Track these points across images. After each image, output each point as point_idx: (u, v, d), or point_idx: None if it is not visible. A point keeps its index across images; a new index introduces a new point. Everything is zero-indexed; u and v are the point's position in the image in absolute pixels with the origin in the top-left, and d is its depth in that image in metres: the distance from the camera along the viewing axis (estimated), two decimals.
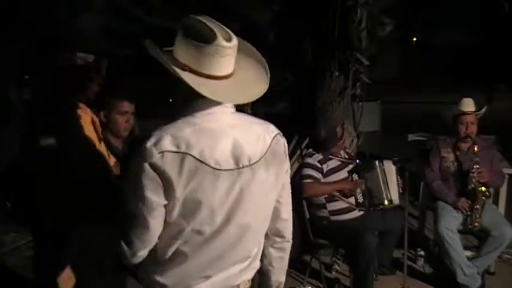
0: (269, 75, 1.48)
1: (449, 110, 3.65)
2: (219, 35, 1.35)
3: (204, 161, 1.37)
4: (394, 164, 3.38)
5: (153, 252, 1.47)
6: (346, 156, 3.55)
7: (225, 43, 1.36)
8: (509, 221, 3.45)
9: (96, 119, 2.27)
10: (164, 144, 1.34)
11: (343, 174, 3.40)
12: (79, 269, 1.94)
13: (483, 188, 3.42)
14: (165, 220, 1.41)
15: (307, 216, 3.38)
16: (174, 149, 1.34)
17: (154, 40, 1.43)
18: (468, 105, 3.57)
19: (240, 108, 1.50)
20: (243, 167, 1.43)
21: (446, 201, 3.54)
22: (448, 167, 3.62)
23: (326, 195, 3.33)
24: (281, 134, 1.54)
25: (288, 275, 1.81)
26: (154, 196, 1.37)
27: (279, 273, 1.74)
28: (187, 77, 1.36)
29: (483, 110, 3.61)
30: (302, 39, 4.61)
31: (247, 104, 1.53)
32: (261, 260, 1.66)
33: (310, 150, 3.46)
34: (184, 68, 1.37)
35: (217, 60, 1.37)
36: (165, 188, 1.36)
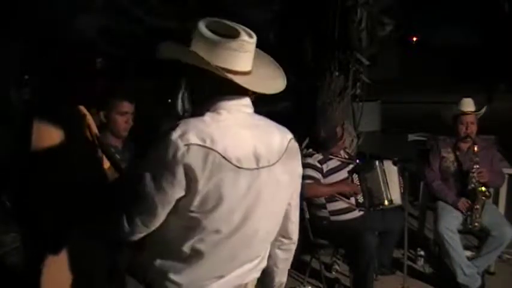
0: (283, 72, 1.52)
1: (450, 110, 3.66)
2: (241, 31, 1.40)
3: (227, 157, 1.38)
4: (394, 164, 3.37)
5: (167, 249, 1.47)
6: (346, 156, 3.55)
7: (248, 38, 1.40)
8: (509, 221, 3.45)
9: (92, 122, 2.27)
10: (190, 137, 1.35)
11: (343, 174, 3.40)
12: (70, 273, 1.94)
13: (483, 188, 3.43)
14: (182, 212, 1.41)
15: (307, 216, 3.38)
16: (199, 142, 1.35)
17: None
18: (468, 105, 3.57)
19: None
20: (262, 168, 1.45)
21: (446, 201, 3.54)
22: (448, 167, 3.62)
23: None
24: (294, 139, 1.57)
25: (288, 275, 1.81)
26: (173, 189, 1.37)
27: (283, 274, 1.77)
28: (219, 71, 1.38)
29: (483, 110, 3.61)
30: (302, 39, 4.61)
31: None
32: (267, 261, 1.67)
33: (310, 150, 3.45)
34: (209, 64, 1.39)
35: (240, 55, 1.40)
36: (186, 181, 1.36)
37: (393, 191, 3.36)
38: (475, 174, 3.44)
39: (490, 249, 3.40)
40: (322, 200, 3.34)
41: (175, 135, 1.36)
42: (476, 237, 3.79)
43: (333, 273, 3.73)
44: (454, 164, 3.61)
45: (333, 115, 4.27)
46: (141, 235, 1.46)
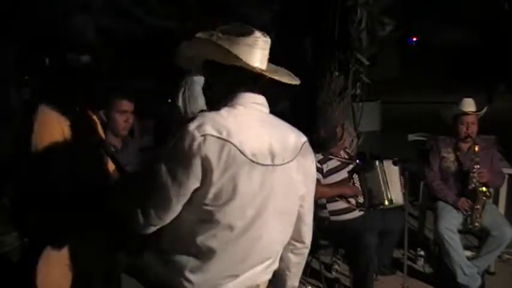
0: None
1: (450, 110, 3.65)
2: (254, 30, 1.46)
3: (243, 151, 1.40)
4: (394, 164, 3.37)
5: (181, 244, 1.48)
6: (346, 157, 3.55)
7: (261, 36, 1.46)
8: (509, 221, 3.45)
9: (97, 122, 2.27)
10: (206, 128, 1.37)
11: (343, 174, 3.40)
12: (67, 276, 1.94)
13: (483, 188, 3.42)
14: (196, 205, 1.42)
15: None
16: (216, 134, 1.38)
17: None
18: (469, 105, 3.57)
19: None
20: (277, 165, 1.47)
21: (446, 201, 3.54)
22: (449, 167, 3.62)
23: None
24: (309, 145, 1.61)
25: None
26: (188, 180, 1.38)
27: (295, 278, 1.77)
28: (247, 65, 1.43)
29: (484, 110, 3.61)
30: (302, 39, 4.60)
31: None
32: (279, 264, 1.67)
33: None
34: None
35: (255, 51, 1.45)
36: (202, 172, 1.38)
37: (394, 191, 3.35)
38: (475, 174, 3.44)
39: (490, 249, 3.40)
40: (323, 200, 3.34)
41: (192, 126, 1.38)
42: (476, 237, 3.79)
43: (333, 273, 3.73)
44: (455, 164, 3.60)
45: (333, 115, 4.27)
46: (155, 228, 1.47)
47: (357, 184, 3.41)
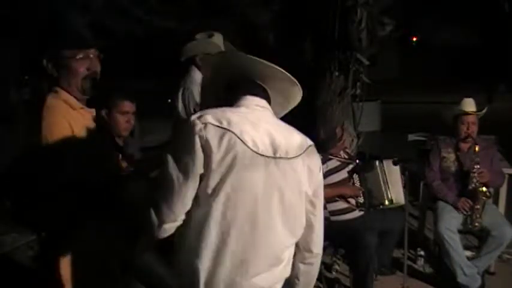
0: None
1: (450, 110, 3.65)
2: None
3: (243, 140, 1.43)
4: (394, 164, 3.37)
5: (189, 248, 1.48)
6: (346, 157, 3.55)
7: None
8: (509, 221, 3.45)
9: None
10: (207, 117, 1.44)
11: (342, 174, 3.40)
12: (84, 269, 1.94)
13: (484, 188, 3.42)
14: (202, 198, 1.45)
15: None
16: (216, 123, 1.43)
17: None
18: (469, 105, 3.57)
19: None
20: (280, 158, 1.48)
21: (446, 201, 3.54)
22: (449, 167, 3.62)
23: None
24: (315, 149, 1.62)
25: None
26: (194, 165, 1.42)
27: (305, 287, 1.76)
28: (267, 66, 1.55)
29: (484, 110, 3.61)
30: (302, 39, 4.61)
31: None
32: (291, 271, 1.67)
33: None
34: None
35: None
36: (204, 156, 1.42)
37: (394, 191, 3.35)
38: (475, 174, 3.44)
39: (490, 249, 3.39)
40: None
41: (194, 116, 1.46)
42: (476, 237, 3.79)
43: (333, 273, 3.73)
44: (455, 164, 3.60)
45: (333, 115, 4.28)
46: (168, 226, 1.48)
47: (357, 184, 3.41)
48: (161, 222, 1.47)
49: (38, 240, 2.33)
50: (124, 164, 2.41)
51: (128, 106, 2.74)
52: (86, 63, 1.97)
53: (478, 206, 3.44)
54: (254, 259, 1.50)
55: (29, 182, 1.95)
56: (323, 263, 3.60)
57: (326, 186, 3.29)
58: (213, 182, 1.42)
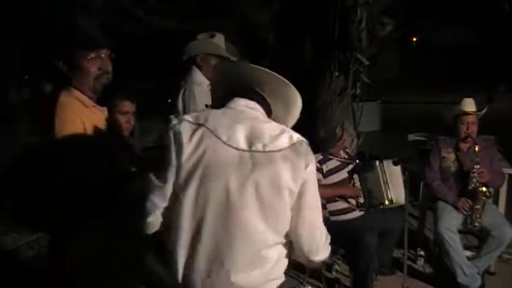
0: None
1: (450, 110, 3.65)
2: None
3: (216, 134, 1.49)
4: (394, 164, 3.37)
5: (170, 235, 1.53)
6: (346, 157, 3.55)
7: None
8: (509, 221, 3.45)
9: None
10: (185, 116, 1.55)
11: (343, 174, 3.40)
12: (85, 270, 1.95)
13: (483, 188, 3.42)
14: (177, 190, 1.51)
15: None
16: (191, 119, 1.52)
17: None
18: (469, 105, 3.57)
19: None
20: (255, 151, 1.48)
21: (446, 201, 3.54)
22: (449, 167, 3.62)
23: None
24: (309, 148, 1.58)
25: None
26: (168, 157, 1.51)
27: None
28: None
29: (484, 110, 3.61)
30: (302, 39, 4.61)
31: None
32: None
33: None
34: None
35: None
36: (176, 149, 1.50)
37: (395, 191, 3.35)
38: (475, 174, 3.44)
39: (490, 249, 3.39)
40: (323, 201, 3.34)
41: (174, 116, 1.58)
42: (476, 237, 3.79)
43: (333, 273, 3.73)
44: (455, 164, 3.60)
45: (333, 115, 4.28)
46: (151, 218, 1.55)
47: (357, 184, 3.42)
48: (145, 215, 1.54)
49: (37, 240, 2.34)
50: (131, 164, 2.42)
51: (128, 106, 2.74)
52: (97, 63, 2.01)
53: (478, 206, 3.44)
54: (230, 256, 1.48)
55: (32, 181, 1.96)
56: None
57: (326, 186, 3.33)
58: (183, 174, 1.48)
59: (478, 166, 3.44)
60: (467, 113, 3.54)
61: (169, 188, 1.52)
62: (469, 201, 3.47)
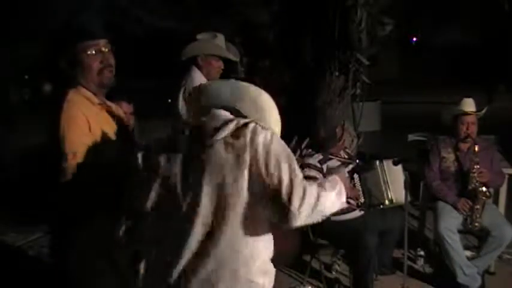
0: None
1: (450, 110, 3.65)
2: None
3: None
4: (394, 164, 3.37)
5: None
6: (346, 156, 3.55)
7: None
8: (509, 221, 3.45)
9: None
10: None
11: None
12: (90, 262, 1.95)
13: (483, 188, 3.42)
14: None
15: None
16: None
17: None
18: (469, 105, 3.57)
19: None
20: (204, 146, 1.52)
21: (446, 201, 3.54)
22: (449, 167, 3.62)
23: None
24: (266, 134, 1.50)
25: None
26: None
27: None
28: None
29: (484, 110, 3.61)
30: (302, 39, 4.61)
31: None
32: None
33: (310, 150, 3.45)
34: None
35: None
36: None
37: (395, 190, 3.34)
38: (475, 174, 3.44)
39: (490, 249, 3.39)
40: None
41: None
42: (476, 237, 3.79)
43: (333, 273, 3.73)
44: (455, 164, 3.60)
45: (333, 115, 4.28)
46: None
47: (357, 184, 3.42)
48: None
49: (37, 240, 2.34)
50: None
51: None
52: (98, 57, 2.02)
53: (478, 206, 3.44)
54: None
55: (37, 179, 1.97)
56: (323, 263, 3.60)
57: None
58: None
59: (478, 166, 3.43)
60: (467, 113, 3.54)
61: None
62: (469, 201, 3.46)
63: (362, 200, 3.38)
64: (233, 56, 3.20)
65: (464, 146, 3.61)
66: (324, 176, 3.33)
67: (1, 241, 4.19)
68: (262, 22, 5.35)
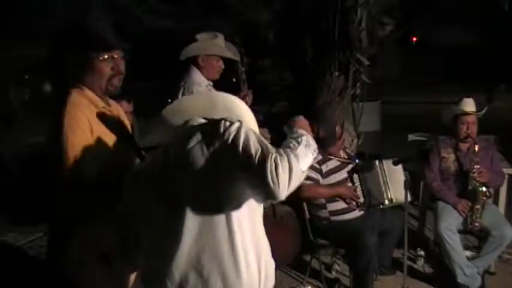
0: None
1: (450, 110, 3.65)
2: None
3: None
4: (394, 164, 3.36)
5: None
6: (346, 156, 3.55)
7: None
8: (509, 221, 3.45)
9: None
10: None
11: (342, 174, 3.40)
12: (86, 261, 1.95)
13: (483, 188, 3.42)
14: None
15: (307, 216, 3.38)
16: None
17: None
18: (469, 105, 3.57)
19: None
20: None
21: (446, 202, 3.54)
22: (449, 167, 3.62)
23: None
24: (237, 123, 1.54)
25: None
26: None
27: None
28: None
29: (484, 110, 3.61)
30: (302, 39, 4.61)
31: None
32: None
33: None
34: None
35: None
36: None
37: (394, 191, 3.34)
38: (475, 175, 3.44)
39: (490, 249, 3.39)
40: (322, 200, 3.34)
41: None
42: (476, 237, 3.79)
43: (333, 273, 3.73)
44: (455, 164, 3.60)
45: (333, 115, 4.27)
46: None
47: (357, 184, 3.42)
48: None
49: (37, 240, 2.34)
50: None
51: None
52: (110, 63, 2.02)
53: (478, 206, 3.44)
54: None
55: (35, 179, 1.97)
56: (323, 263, 3.60)
57: (324, 186, 3.33)
58: None
59: (478, 166, 3.43)
60: (467, 113, 3.54)
61: None
62: (469, 203, 3.46)
63: (362, 200, 3.38)
64: (233, 55, 3.20)
65: (464, 146, 3.61)
66: (324, 176, 3.33)
67: (1, 241, 4.19)
68: (262, 22, 5.35)
